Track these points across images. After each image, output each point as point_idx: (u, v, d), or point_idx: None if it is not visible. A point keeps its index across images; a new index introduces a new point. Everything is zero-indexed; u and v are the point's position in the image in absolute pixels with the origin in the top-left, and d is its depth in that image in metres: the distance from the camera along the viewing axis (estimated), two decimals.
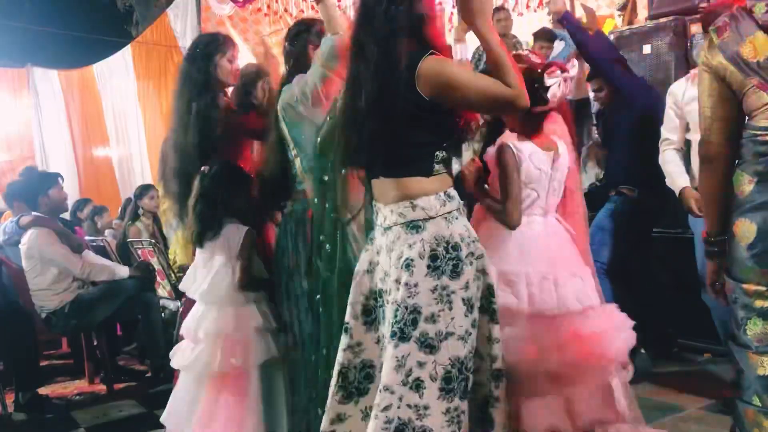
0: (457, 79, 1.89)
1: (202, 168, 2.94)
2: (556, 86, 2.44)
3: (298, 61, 2.79)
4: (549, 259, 2.43)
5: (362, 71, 1.96)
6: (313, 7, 7.81)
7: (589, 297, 2.46)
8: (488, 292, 2.02)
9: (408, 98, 1.89)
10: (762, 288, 1.79)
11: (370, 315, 2.09)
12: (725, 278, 1.95)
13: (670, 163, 3.36)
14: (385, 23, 1.92)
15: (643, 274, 3.80)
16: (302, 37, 2.80)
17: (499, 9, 6.03)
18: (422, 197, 1.94)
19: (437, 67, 1.89)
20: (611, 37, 4.40)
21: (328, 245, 2.57)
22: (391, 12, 1.92)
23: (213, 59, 3.08)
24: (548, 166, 2.49)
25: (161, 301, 4.77)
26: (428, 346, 1.87)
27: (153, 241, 4.94)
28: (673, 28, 3.88)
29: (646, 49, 4.06)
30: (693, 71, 3.30)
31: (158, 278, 4.86)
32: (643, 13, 5.15)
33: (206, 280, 2.92)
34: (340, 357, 2.09)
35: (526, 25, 6.98)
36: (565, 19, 3.65)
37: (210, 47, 3.11)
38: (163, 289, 4.90)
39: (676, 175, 3.32)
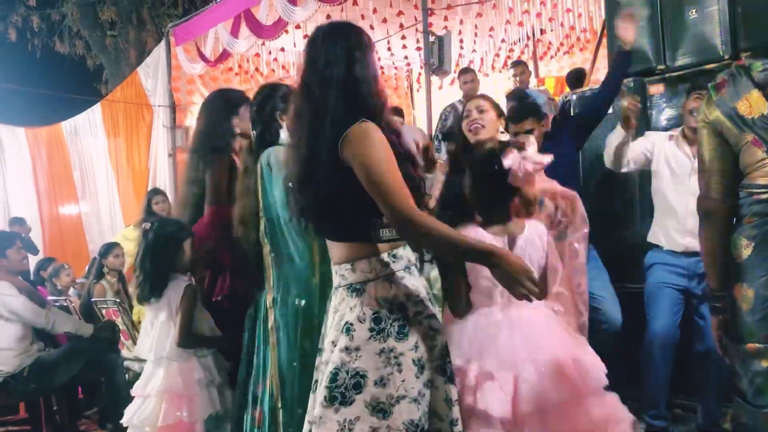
0: (370, 154, 1.81)
1: (144, 225, 3.00)
2: (516, 166, 2.28)
3: (267, 128, 2.79)
4: (510, 351, 2.25)
5: (300, 137, 1.95)
6: (283, 67, 7.94)
7: (578, 387, 2.20)
8: (443, 353, 1.96)
9: (336, 165, 1.84)
10: (765, 348, 1.83)
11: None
12: (727, 339, 1.97)
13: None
14: (321, 88, 1.90)
15: None
16: (269, 103, 2.80)
17: (466, 71, 6.20)
18: (362, 260, 1.91)
19: (360, 136, 1.83)
20: (573, 97, 4.53)
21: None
22: (326, 76, 1.90)
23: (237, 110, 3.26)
24: None
25: (125, 363, 4.64)
26: (380, 410, 1.82)
27: (118, 300, 4.84)
28: (633, 89, 4.00)
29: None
30: (674, 132, 3.46)
31: (122, 338, 4.74)
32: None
33: (151, 337, 2.98)
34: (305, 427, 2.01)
35: (491, 86, 7.17)
36: None
37: (230, 103, 3.27)
38: (127, 350, 4.77)
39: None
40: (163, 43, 8.06)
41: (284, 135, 2.76)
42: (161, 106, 8.08)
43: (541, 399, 2.18)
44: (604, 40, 4.53)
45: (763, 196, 1.82)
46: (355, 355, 1.85)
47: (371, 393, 1.83)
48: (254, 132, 2.85)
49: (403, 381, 1.85)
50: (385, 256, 1.92)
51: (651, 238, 3.53)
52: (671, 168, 3.39)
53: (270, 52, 7.67)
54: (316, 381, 2.03)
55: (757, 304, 1.82)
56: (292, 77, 7.79)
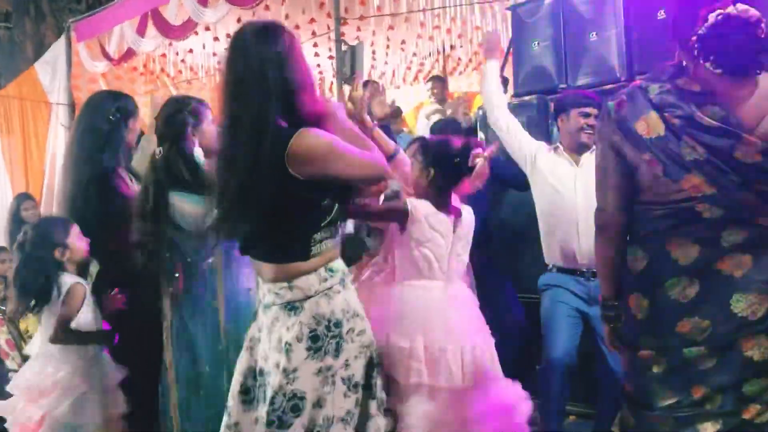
0: (332, 149, 1.80)
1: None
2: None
3: (176, 143, 2.68)
4: (455, 327, 2.37)
5: (233, 153, 1.84)
6: (192, 69, 7.74)
7: (488, 370, 2.39)
8: (369, 368, 1.94)
9: (280, 182, 1.78)
10: (656, 354, 1.91)
11: (248, 394, 1.96)
12: (621, 347, 2.06)
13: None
14: (259, 95, 1.80)
15: None
16: (179, 118, 2.70)
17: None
18: (300, 277, 1.85)
19: (309, 142, 1.79)
20: (480, 113, 4.63)
21: None
22: (264, 81, 1.80)
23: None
24: (447, 229, 2.48)
25: (9, 374, 4.35)
26: None
27: (3, 308, 4.55)
28: (536, 106, 4.13)
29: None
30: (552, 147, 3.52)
31: (7, 349, 4.46)
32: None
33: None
34: None
35: (403, 99, 7.24)
36: None
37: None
38: (12, 361, 4.49)
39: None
40: (63, 39, 7.69)
41: (198, 153, 2.69)
42: (60, 104, 7.69)
43: (472, 375, 2.32)
44: (510, 59, 4.64)
45: (658, 213, 1.90)
46: (293, 376, 1.79)
47: (310, 415, 1.79)
48: (160, 149, 2.71)
49: (334, 400, 1.82)
50: (322, 271, 1.87)
51: (546, 258, 3.50)
52: (557, 178, 3.38)
53: (177, 53, 7.45)
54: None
55: (651, 313, 1.91)
56: (200, 80, 7.61)
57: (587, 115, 3.39)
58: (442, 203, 2.53)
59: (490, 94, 3.50)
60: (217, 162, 1.94)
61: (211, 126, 2.77)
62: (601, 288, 2.12)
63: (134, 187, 2.96)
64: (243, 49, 1.86)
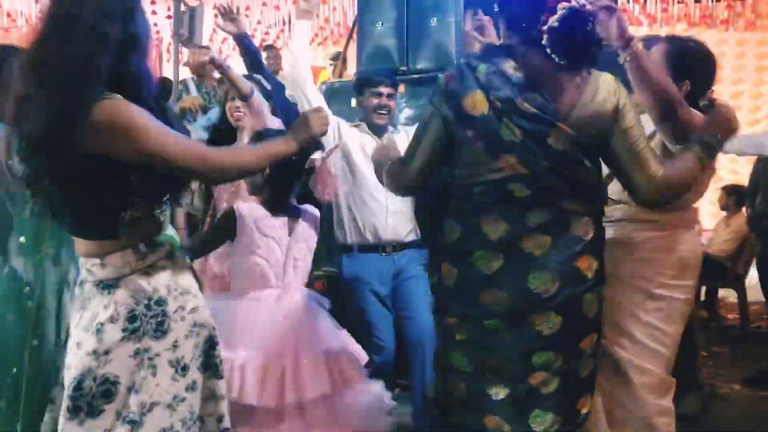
0: (138, 126, 1.59)
1: None
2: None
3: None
4: (281, 341, 2.29)
5: (35, 96, 1.57)
6: (9, 15, 7.02)
7: (342, 378, 2.37)
8: (208, 346, 1.81)
9: (79, 149, 1.56)
10: (460, 321, 2.01)
11: None
12: (433, 311, 2.15)
13: None
14: (86, 41, 1.57)
15: None
16: (7, 67, 2.39)
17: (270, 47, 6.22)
18: (113, 254, 1.68)
19: (113, 114, 1.58)
20: (323, 89, 4.60)
21: None
22: (97, 27, 1.58)
23: None
24: (281, 233, 2.39)
25: None
26: (131, 421, 1.64)
27: None
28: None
29: (353, 102, 4.32)
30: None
31: None
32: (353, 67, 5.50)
33: None
34: None
35: (242, 67, 7.03)
36: None
37: None
38: None
39: None
40: None
41: None
42: None
43: (305, 390, 2.27)
44: (355, 37, 4.65)
45: (475, 189, 1.98)
46: (105, 359, 1.63)
47: (123, 401, 1.64)
48: None
49: (157, 385, 1.67)
50: (141, 247, 1.70)
51: (345, 238, 3.36)
52: (364, 155, 3.31)
53: None
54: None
55: (459, 282, 2.01)
56: (20, 28, 6.93)
57: (379, 95, 3.41)
58: (278, 204, 2.43)
59: (294, 53, 3.28)
60: (14, 107, 1.65)
61: None
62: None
63: None
64: None
